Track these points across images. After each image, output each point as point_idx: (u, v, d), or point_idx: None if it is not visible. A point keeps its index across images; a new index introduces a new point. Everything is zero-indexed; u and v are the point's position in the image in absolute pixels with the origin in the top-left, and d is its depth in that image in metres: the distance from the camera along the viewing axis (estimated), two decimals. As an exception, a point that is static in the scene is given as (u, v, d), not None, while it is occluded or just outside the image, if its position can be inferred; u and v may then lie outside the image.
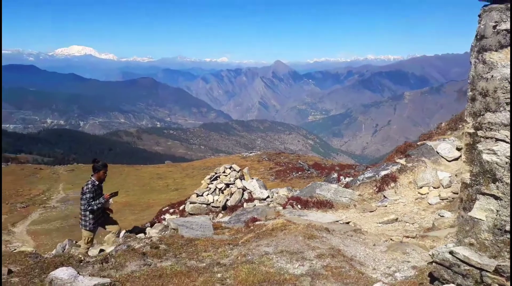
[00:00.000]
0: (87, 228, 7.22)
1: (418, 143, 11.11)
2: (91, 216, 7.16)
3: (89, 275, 4.15)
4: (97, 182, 7.15)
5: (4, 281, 4.05)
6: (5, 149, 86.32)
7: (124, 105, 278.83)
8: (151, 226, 9.46)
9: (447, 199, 7.93)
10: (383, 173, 9.52)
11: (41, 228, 22.09)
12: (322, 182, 10.87)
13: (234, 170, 11.86)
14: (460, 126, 11.14)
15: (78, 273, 4.02)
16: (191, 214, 10.95)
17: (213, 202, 11.25)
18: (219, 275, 3.80)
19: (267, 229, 5.23)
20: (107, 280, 3.82)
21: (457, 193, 7.59)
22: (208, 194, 11.46)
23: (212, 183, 11.60)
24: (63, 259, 4.87)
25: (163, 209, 15.42)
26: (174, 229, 6.50)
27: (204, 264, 4.26)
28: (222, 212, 10.79)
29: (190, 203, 11.62)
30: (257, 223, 5.94)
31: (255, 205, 9.72)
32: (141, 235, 7.75)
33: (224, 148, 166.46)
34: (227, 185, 11.56)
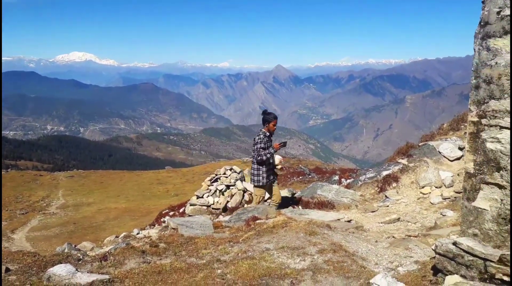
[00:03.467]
0: (260, 184, 7.14)
1: (420, 143, 11.05)
2: (263, 169, 7.04)
3: (88, 272, 4.10)
4: (268, 133, 7.06)
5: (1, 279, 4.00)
6: (5, 156, 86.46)
7: (124, 111, 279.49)
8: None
9: (449, 198, 7.86)
10: (384, 173, 9.45)
11: (40, 235, 22.02)
12: (323, 183, 10.79)
13: (235, 172, 11.81)
14: (462, 126, 11.09)
15: (77, 270, 3.97)
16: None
17: (213, 204, 11.18)
18: (219, 271, 3.75)
19: (268, 227, 5.18)
20: (106, 276, 3.77)
21: (459, 193, 7.53)
22: (208, 195, 11.40)
23: (213, 185, 11.55)
24: (61, 257, 4.81)
25: (163, 212, 15.37)
26: (174, 228, 6.45)
27: (204, 261, 4.20)
28: (223, 214, 10.72)
29: (190, 205, 11.56)
30: (257, 221, 5.88)
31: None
32: (141, 234, 7.71)
33: (225, 153, 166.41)
34: (228, 186, 11.51)
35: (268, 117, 7.03)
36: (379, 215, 7.71)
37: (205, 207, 11.34)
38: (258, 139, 6.88)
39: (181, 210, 13.93)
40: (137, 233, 9.78)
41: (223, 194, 11.46)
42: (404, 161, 9.64)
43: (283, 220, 5.39)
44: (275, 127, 7.09)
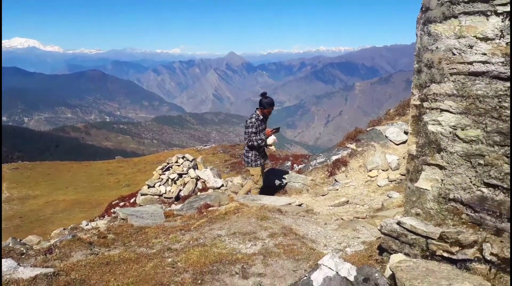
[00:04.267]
0: (250, 165, 6.96)
1: (368, 128, 11.40)
2: (253, 152, 6.80)
3: (31, 266, 3.90)
4: (261, 117, 6.77)
5: None
6: None
7: (71, 99, 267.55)
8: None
9: (395, 180, 8.18)
10: (334, 158, 9.68)
11: (-18, 230, 20.78)
12: (275, 169, 10.90)
13: (187, 160, 11.66)
14: (408, 111, 11.53)
15: (19, 264, 3.77)
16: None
17: (165, 193, 11.01)
18: (169, 259, 3.69)
19: (220, 213, 5.15)
20: (51, 269, 3.61)
21: (404, 175, 7.84)
22: (160, 185, 11.20)
23: (164, 174, 11.35)
24: (2, 252, 4.55)
25: (113, 203, 14.94)
26: (123, 219, 6.27)
27: (155, 250, 4.12)
28: (175, 202, 10.58)
29: (141, 195, 11.32)
30: (210, 208, 5.85)
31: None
32: (89, 226, 7.45)
33: (178, 142, 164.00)
34: (180, 175, 11.36)
35: (264, 102, 6.83)
36: (329, 199, 7.91)
37: (157, 197, 11.14)
38: (250, 123, 6.69)
39: (132, 201, 13.60)
40: (86, 225, 9.45)
41: (175, 183, 11.30)
42: (353, 146, 9.91)
43: (235, 206, 5.38)
44: (270, 114, 6.97)
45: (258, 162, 6.93)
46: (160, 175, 11.42)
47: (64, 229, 9.81)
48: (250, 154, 6.88)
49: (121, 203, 14.29)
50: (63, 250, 4.26)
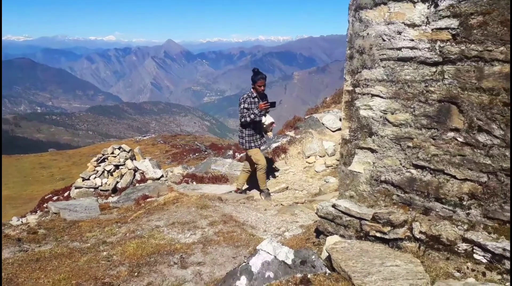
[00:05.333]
0: (244, 147, 6.48)
1: (306, 116, 11.63)
2: (246, 132, 6.27)
3: None
4: (255, 94, 6.30)
5: None
6: None
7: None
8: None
9: (332, 166, 8.44)
10: (274, 145, 9.79)
11: None
12: (217, 158, 10.85)
13: (124, 151, 11.25)
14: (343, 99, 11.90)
15: None
16: (78, 199, 10.18)
17: (101, 186, 10.57)
18: (104, 253, 3.54)
19: (159, 204, 5.02)
20: (-29, 271, 3.32)
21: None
22: (95, 177, 10.73)
23: (100, 166, 10.88)
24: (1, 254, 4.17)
25: (45, 197, 14.13)
26: (55, 213, 5.93)
27: (89, 244, 3.93)
28: (112, 195, 10.20)
29: (76, 188, 10.79)
30: (148, 200, 5.68)
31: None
32: (19, 222, 6.97)
33: (115, 133, 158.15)
34: (117, 166, 10.94)
35: (254, 77, 6.48)
36: (270, 185, 7.98)
37: (92, 189, 10.67)
38: (242, 99, 6.38)
39: (66, 194, 12.93)
40: (17, 221, 8.85)
41: (112, 175, 10.88)
42: (292, 133, 10.08)
43: (174, 196, 5.27)
44: (262, 88, 6.49)
45: (253, 144, 6.46)
46: (95, 167, 10.93)
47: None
48: (244, 134, 6.42)
49: (55, 198, 13.56)
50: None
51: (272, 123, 6.55)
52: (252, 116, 6.19)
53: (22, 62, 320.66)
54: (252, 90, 6.49)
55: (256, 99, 6.44)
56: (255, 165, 6.56)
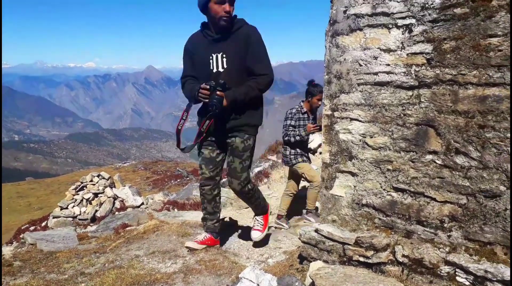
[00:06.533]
0: (291, 164, 5.87)
1: (287, 140, 11.70)
2: (290, 151, 5.71)
3: None
4: (305, 109, 5.75)
5: None
6: None
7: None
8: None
9: (314, 190, 8.44)
10: (256, 170, 9.80)
11: None
12: (197, 184, 10.74)
13: (103, 178, 11.05)
14: (323, 123, 12.03)
15: None
16: (55, 230, 9.89)
17: (80, 214, 10.31)
18: (83, 284, 3.41)
19: (139, 233, 4.90)
20: None
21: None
22: (74, 206, 10.47)
23: (78, 194, 10.64)
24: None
25: (22, 228, 13.70)
26: (32, 244, 5.72)
27: (66, 276, 3.78)
28: (91, 224, 9.95)
29: (54, 217, 10.49)
30: (128, 228, 5.54)
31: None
32: (-10, 256, 6.72)
33: (95, 160, 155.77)
34: (96, 194, 10.72)
35: (312, 89, 5.83)
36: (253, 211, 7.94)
37: (70, 219, 10.39)
38: (290, 113, 5.76)
39: (43, 224, 12.56)
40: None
41: (90, 203, 10.64)
42: (274, 158, 10.11)
43: (154, 224, 5.16)
44: (319, 103, 5.83)
45: (300, 158, 5.84)
46: (74, 195, 10.69)
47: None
48: (287, 152, 5.84)
49: (32, 228, 13.16)
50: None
51: (320, 145, 6.17)
52: (298, 137, 5.72)
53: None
54: (302, 104, 5.93)
55: (305, 116, 5.89)
56: (309, 183, 5.94)
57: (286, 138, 5.74)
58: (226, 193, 9.13)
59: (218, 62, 3.49)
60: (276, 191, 8.86)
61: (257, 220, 4.24)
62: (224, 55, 3.46)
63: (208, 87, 3.35)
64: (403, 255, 2.56)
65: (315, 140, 5.71)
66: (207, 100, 3.39)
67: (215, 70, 3.50)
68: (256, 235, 4.10)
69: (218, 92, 3.33)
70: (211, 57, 3.50)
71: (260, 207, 4.23)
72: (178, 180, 32.21)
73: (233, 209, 8.43)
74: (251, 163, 3.99)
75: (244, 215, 7.82)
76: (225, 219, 6.81)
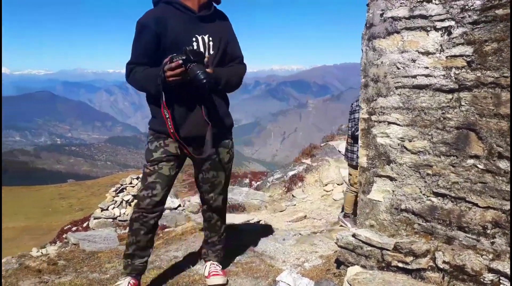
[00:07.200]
0: (353, 163, 5.33)
1: (322, 144, 11.63)
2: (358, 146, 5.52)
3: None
4: None
5: None
6: None
7: (19, 122, 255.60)
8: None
9: (350, 194, 8.35)
10: (290, 173, 9.79)
11: None
12: (233, 186, 10.85)
13: (142, 181, 11.37)
14: (359, 126, 11.89)
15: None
16: (96, 230, 10.26)
17: (119, 216, 10.64)
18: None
19: (177, 234, 5.02)
20: (-7, 303, 3.35)
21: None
22: (114, 207, 10.82)
23: (118, 196, 10.99)
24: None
25: (65, 228, 14.27)
26: (74, 244, 5.97)
27: (108, 275, 3.93)
28: (130, 225, 10.26)
29: (94, 218, 10.88)
30: (166, 230, 5.70)
31: (164, 214, 9.37)
32: (39, 253, 7.05)
33: (133, 163, 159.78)
34: (135, 196, 11.02)
35: None
36: (287, 214, 7.93)
37: (111, 220, 10.74)
38: (357, 106, 5.22)
39: (84, 225, 13.05)
40: (36, 252, 8.92)
41: (130, 205, 10.96)
42: (308, 161, 10.07)
43: (192, 226, 5.27)
44: None
45: (356, 163, 5.39)
46: (114, 197, 11.05)
47: (12, 257, 9.17)
48: (352, 148, 5.35)
49: (74, 228, 13.70)
50: (9, 280, 3.99)
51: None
52: None
53: (42, 95, 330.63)
54: None
55: None
56: (349, 186, 5.72)
57: (357, 133, 5.00)
58: (261, 197, 9.19)
59: (205, 46, 2.71)
60: (310, 195, 8.83)
61: (213, 264, 3.34)
62: (210, 38, 2.72)
63: (180, 61, 2.41)
64: (444, 262, 2.51)
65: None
66: (185, 78, 2.45)
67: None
68: (216, 281, 3.19)
69: (195, 63, 2.42)
70: (194, 39, 2.67)
71: (223, 247, 3.42)
72: (213, 183, 32.52)
73: (268, 212, 8.46)
74: None
75: (278, 218, 7.84)
76: (260, 222, 6.87)
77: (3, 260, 9.14)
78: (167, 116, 2.56)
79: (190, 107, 2.71)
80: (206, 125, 2.66)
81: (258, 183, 12.07)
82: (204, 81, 2.35)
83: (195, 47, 2.63)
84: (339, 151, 10.04)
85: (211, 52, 2.72)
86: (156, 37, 2.60)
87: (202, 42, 2.69)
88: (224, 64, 2.82)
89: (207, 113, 2.68)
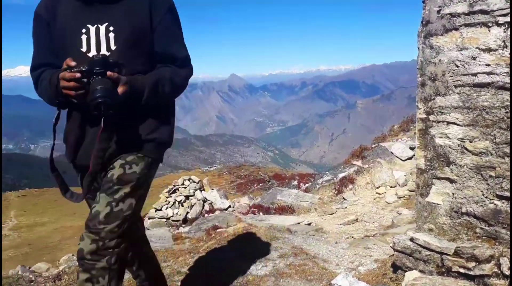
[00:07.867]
0: None
1: (373, 145, 11.36)
2: None
3: (39, 296, 3.86)
4: None
5: None
6: None
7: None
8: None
9: (403, 197, 8.11)
10: (341, 175, 9.63)
11: (-8, 259, 20.67)
12: (282, 188, 10.86)
13: (194, 182, 11.63)
14: (412, 127, 11.52)
15: (26, 294, 3.73)
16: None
17: (173, 216, 10.94)
18: (179, 283, 3.63)
19: (229, 235, 5.10)
20: (59, 299, 3.56)
21: (413, 191, 7.76)
22: (167, 207, 11.15)
23: (171, 196, 11.31)
24: (11, 280, 4.52)
25: (121, 228, 14.86)
26: (131, 244, 6.24)
27: (164, 274, 4.07)
28: (183, 225, 10.52)
29: (149, 218, 11.25)
30: (218, 230, 5.79)
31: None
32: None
33: (183, 164, 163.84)
34: (187, 197, 11.31)
35: None
36: (338, 217, 7.82)
37: (164, 220, 11.07)
38: None
39: (139, 225, 13.55)
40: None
41: (182, 205, 11.25)
42: (359, 163, 9.87)
43: (243, 227, 5.33)
44: None
45: None
46: (167, 198, 11.39)
47: (73, 255, 9.74)
48: None
49: (129, 228, 14.24)
50: (72, 276, 4.22)
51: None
52: None
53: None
54: None
55: None
56: None
57: None
58: (310, 199, 9.12)
59: (100, 40, 1.92)
60: (362, 197, 8.64)
61: None
62: (110, 28, 1.92)
63: (78, 72, 1.70)
64: (510, 268, 2.38)
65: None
66: (80, 93, 1.75)
67: (91, 53, 1.91)
68: None
69: (99, 77, 1.70)
70: (84, 31, 1.92)
71: None
72: (261, 184, 32.71)
73: (318, 214, 8.37)
74: (140, 209, 2.28)
75: (329, 221, 7.74)
76: (311, 225, 6.83)
77: (64, 257, 9.70)
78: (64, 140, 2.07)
79: (90, 128, 2.05)
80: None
81: (307, 185, 11.98)
82: (99, 100, 1.67)
83: (84, 45, 1.92)
84: (392, 153, 9.76)
85: (112, 47, 1.92)
86: (48, 27, 1.97)
87: (95, 34, 1.92)
88: (147, 63, 2.02)
89: (107, 137, 1.91)
